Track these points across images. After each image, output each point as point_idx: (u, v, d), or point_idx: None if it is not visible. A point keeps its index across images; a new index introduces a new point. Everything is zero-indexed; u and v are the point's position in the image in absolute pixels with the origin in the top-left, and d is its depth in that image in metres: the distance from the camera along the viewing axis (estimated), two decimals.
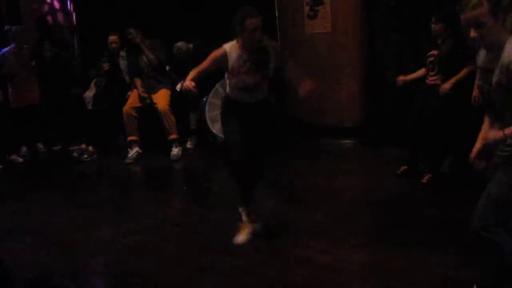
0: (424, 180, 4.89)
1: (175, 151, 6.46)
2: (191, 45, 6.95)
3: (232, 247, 3.85)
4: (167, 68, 6.88)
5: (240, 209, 4.02)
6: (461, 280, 3.17)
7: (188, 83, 3.63)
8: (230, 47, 3.76)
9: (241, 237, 3.92)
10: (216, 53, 3.77)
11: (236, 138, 3.81)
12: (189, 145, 6.96)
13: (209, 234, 4.16)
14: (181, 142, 6.67)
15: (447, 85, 4.70)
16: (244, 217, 4.00)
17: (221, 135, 6.57)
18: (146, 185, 6.10)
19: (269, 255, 3.71)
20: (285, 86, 7.13)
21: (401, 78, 5.13)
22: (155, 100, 6.46)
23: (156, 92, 6.53)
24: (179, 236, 4.24)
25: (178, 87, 6.54)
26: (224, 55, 3.74)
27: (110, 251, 3.99)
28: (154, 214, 4.67)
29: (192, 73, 3.71)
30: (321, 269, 3.44)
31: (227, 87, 3.89)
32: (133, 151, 6.45)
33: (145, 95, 6.46)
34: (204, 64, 3.78)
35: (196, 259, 3.73)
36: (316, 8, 6.70)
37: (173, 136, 6.46)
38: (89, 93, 7.28)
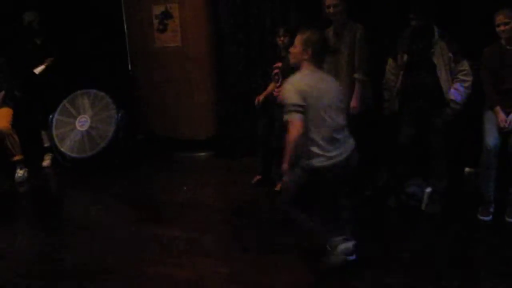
0: (277, 188, 5.06)
1: (20, 173, 6.03)
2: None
3: (84, 271, 3.70)
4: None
5: None
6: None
7: None
8: None
9: None
10: None
11: None
12: (45, 163, 6.56)
13: (55, 259, 3.95)
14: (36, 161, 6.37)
15: None
16: None
17: (69, 153, 6.29)
18: None
19: (127, 276, 3.60)
20: (137, 101, 7.05)
21: (258, 98, 5.18)
22: None
23: None
24: (28, 265, 3.95)
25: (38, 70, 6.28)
26: None
27: None
28: None
29: None
30: (183, 285, 3.42)
31: None
32: None
33: None
34: None
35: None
36: (165, 22, 6.69)
37: (17, 157, 6.02)
38: None
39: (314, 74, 3.32)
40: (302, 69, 3.35)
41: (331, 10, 4.61)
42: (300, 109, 3.16)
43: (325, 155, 3.21)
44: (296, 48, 3.36)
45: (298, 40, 3.34)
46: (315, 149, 3.22)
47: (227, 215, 4.76)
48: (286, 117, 3.18)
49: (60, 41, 6.46)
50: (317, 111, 3.20)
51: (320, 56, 3.36)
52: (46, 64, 6.32)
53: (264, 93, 5.19)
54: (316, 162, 3.22)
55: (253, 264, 3.63)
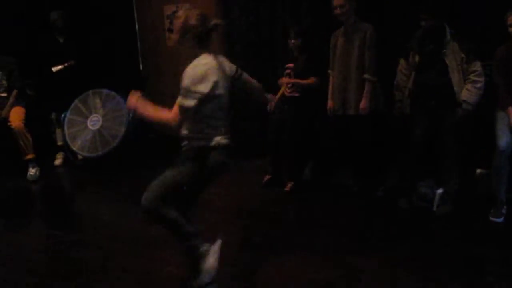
0: (287, 188, 5.08)
1: (32, 171, 6.08)
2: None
3: (95, 269, 3.72)
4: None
5: None
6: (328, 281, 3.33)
7: None
8: None
9: None
10: None
11: None
12: (58, 162, 6.61)
13: (67, 258, 3.97)
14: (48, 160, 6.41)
15: (303, 81, 4.95)
16: None
17: (81, 152, 6.33)
18: None
19: (137, 274, 3.61)
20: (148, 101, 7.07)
21: (270, 105, 5.17)
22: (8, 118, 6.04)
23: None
24: (41, 264, 3.98)
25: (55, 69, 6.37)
26: None
27: None
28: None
29: None
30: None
31: None
32: None
33: None
34: None
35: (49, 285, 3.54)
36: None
37: (29, 156, 6.08)
38: None
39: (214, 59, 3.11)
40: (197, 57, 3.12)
41: (338, 10, 4.61)
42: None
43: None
44: (175, 35, 3.11)
45: (175, 26, 3.09)
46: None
47: (237, 215, 4.77)
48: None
49: (77, 41, 6.52)
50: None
51: (204, 39, 3.12)
52: (65, 64, 6.37)
53: (278, 95, 5.16)
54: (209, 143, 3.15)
55: (263, 264, 3.62)
